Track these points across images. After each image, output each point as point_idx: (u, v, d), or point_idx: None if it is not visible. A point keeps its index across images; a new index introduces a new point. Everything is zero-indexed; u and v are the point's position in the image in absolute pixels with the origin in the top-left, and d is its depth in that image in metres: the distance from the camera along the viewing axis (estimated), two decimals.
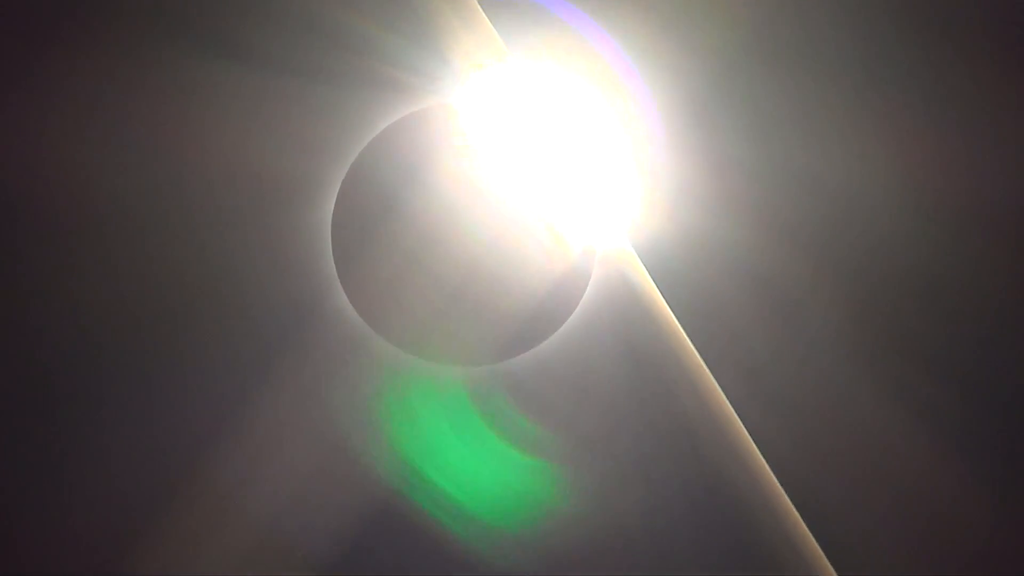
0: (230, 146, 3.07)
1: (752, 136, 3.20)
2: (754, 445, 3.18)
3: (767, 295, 3.20)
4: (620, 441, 3.11)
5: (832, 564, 3.22)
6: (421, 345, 3.11)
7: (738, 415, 3.18)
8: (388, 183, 3.08)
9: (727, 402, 3.19)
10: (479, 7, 3.14)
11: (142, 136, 3.04)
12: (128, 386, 3.05)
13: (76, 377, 3.06)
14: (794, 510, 3.22)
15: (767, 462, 3.19)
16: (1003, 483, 3.22)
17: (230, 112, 3.06)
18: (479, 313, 3.07)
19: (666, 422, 3.13)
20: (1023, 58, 3.20)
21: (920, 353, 3.21)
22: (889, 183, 3.21)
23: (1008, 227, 3.22)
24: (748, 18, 3.23)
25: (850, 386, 3.22)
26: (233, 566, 3.02)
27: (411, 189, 3.06)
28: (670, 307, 3.18)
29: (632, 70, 3.19)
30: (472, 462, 3.13)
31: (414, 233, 3.05)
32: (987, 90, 3.20)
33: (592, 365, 3.14)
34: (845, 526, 3.25)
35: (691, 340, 3.18)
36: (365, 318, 3.11)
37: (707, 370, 3.18)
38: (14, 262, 3.04)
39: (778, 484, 3.20)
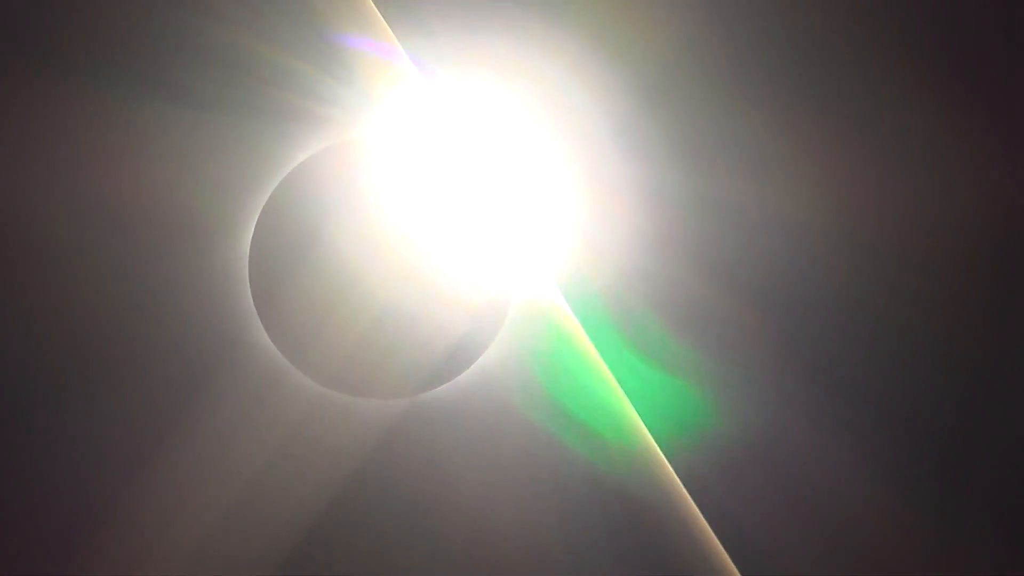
0: (144, 180, 3.05)
1: (677, 166, 3.17)
2: (676, 476, 3.16)
3: (692, 329, 3.17)
4: (537, 479, 3.09)
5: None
6: (339, 379, 3.09)
7: (660, 448, 3.16)
8: (305, 218, 3.07)
9: (649, 435, 3.16)
10: (395, 37, 3.12)
11: (54, 170, 3.03)
12: (42, 422, 3.04)
13: None
14: (717, 542, 3.19)
15: (689, 492, 3.16)
16: (934, 511, 3.19)
17: (144, 146, 3.05)
18: (396, 348, 3.05)
19: (584, 460, 3.11)
20: (950, 85, 3.16)
21: (846, 382, 3.18)
22: (818, 214, 3.18)
23: (935, 255, 3.18)
24: (675, 43, 3.20)
25: (778, 418, 3.19)
26: None
27: (328, 224, 3.04)
28: (591, 341, 3.16)
29: (553, 103, 3.16)
30: None
31: (331, 268, 3.03)
32: (917, 118, 3.16)
33: (510, 401, 3.12)
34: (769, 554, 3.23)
35: (613, 375, 3.15)
36: (284, 353, 3.10)
37: (630, 405, 3.15)
38: None
39: (700, 515, 3.17)
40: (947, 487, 3.20)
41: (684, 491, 3.15)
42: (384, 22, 3.12)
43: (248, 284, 3.10)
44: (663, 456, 3.14)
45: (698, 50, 3.19)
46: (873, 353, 3.20)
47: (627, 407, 3.17)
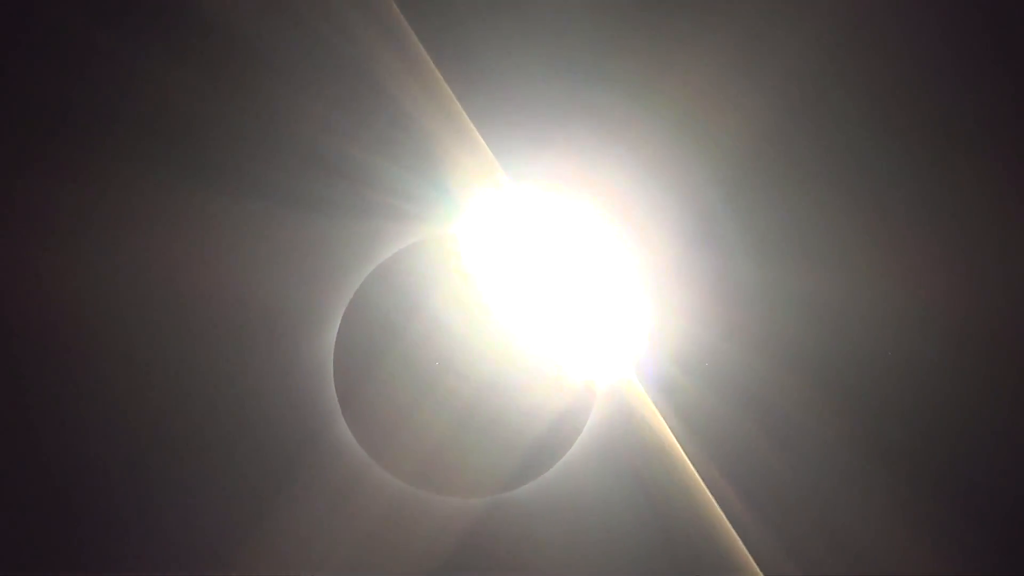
0: (233, 277, 3.07)
1: (759, 260, 3.17)
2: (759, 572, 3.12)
3: (774, 423, 3.15)
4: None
5: None
6: (423, 477, 3.08)
7: (745, 544, 3.12)
8: (390, 314, 3.07)
9: (735, 534, 3.13)
10: (479, 135, 3.15)
11: (148, 267, 3.05)
12: (128, 517, 3.03)
13: (83, 505, 3.06)
14: None
15: None
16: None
17: (234, 243, 3.07)
18: (480, 445, 3.04)
19: (671, 558, 3.07)
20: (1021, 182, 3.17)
21: (921, 473, 3.15)
22: (893, 308, 3.16)
23: (1008, 348, 3.16)
24: (755, 138, 3.21)
25: (855, 513, 3.15)
26: None
27: (412, 320, 3.05)
28: (675, 436, 3.13)
29: (635, 197, 3.17)
30: None
31: (416, 365, 3.03)
32: (991, 213, 3.16)
33: (596, 498, 3.10)
34: None
35: (698, 473, 3.13)
36: (367, 449, 3.09)
37: (715, 503, 3.12)
38: (19, 392, 3.05)
39: None
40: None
41: None
42: (468, 120, 3.15)
43: (332, 380, 3.10)
44: (739, 538, 3.10)
45: (778, 145, 3.21)
46: (950, 443, 3.17)
47: (710, 500, 3.14)
